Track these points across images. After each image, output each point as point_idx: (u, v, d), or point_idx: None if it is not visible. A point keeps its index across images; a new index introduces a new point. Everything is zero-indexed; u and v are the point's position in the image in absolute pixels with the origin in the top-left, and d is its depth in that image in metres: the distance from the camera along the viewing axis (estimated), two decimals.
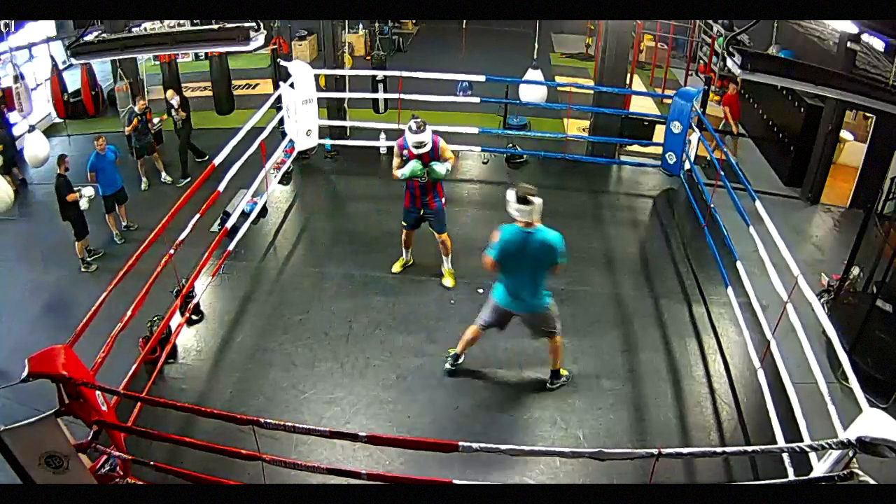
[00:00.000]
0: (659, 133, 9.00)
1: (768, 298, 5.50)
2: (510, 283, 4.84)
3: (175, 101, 9.03)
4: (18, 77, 8.60)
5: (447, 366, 5.44)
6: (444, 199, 6.26)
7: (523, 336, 5.76)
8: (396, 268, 6.72)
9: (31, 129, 8.28)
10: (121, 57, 8.24)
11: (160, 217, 5.44)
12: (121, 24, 8.29)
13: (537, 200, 4.53)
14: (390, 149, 9.21)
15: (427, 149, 5.84)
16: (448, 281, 6.50)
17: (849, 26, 7.10)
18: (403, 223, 6.43)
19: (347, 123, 9.51)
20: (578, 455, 3.51)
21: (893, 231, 6.21)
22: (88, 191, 7.44)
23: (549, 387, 5.30)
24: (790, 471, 4.26)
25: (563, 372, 5.34)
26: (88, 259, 7.59)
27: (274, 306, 6.25)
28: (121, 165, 8.15)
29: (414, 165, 5.85)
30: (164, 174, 9.39)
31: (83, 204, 7.43)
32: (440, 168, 5.93)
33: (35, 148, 8.15)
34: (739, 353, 5.71)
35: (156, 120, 9.65)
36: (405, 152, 5.92)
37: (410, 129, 5.77)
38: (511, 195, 4.56)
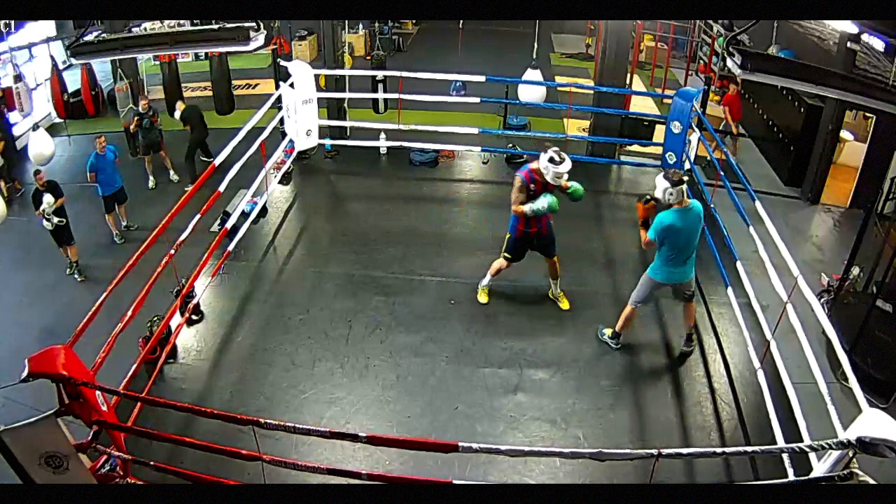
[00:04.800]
0: (659, 133, 9.00)
1: (768, 299, 5.49)
2: (673, 258, 5.23)
3: (177, 113, 9.07)
4: (18, 77, 8.62)
5: (612, 346, 5.69)
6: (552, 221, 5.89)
7: (524, 335, 5.80)
8: (483, 298, 6.15)
9: (36, 127, 8.27)
10: (121, 57, 8.25)
11: (161, 217, 5.45)
12: (121, 24, 8.30)
13: (685, 178, 5.10)
14: (390, 149, 9.29)
15: (567, 178, 5.51)
16: (564, 304, 6.13)
17: (849, 26, 7.11)
18: (508, 255, 5.87)
19: (347, 123, 9.51)
20: (578, 455, 3.50)
21: (893, 231, 6.22)
22: (47, 223, 7.31)
23: (686, 349, 5.61)
24: (790, 471, 4.25)
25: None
26: (70, 271, 7.58)
27: (274, 306, 6.24)
28: (121, 165, 8.16)
29: (550, 200, 5.46)
30: (171, 172, 9.39)
31: (45, 223, 7.31)
32: (579, 186, 5.60)
33: (40, 146, 8.15)
34: (739, 353, 5.71)
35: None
36: (532, 186, 5.51)
37: (553, 160, 5.35)
38: (662, 181, 5.03)
